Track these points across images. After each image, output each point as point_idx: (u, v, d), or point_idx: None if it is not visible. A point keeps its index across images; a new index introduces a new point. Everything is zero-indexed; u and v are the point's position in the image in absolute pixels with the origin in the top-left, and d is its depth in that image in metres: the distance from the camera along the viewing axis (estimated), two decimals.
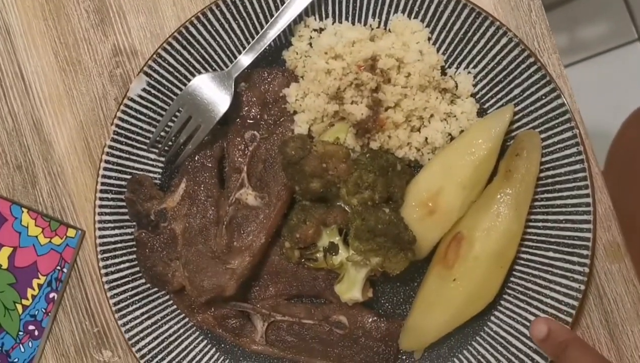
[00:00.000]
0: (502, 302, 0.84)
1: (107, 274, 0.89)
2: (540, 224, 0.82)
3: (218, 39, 0.89)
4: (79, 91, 0.96)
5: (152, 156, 0.91)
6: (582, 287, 0.79)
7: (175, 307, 0.91)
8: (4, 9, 0.97)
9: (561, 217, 0.81)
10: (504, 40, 0.82)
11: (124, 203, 0.90)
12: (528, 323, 0.82)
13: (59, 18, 0.97)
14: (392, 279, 0.86)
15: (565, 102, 0.80)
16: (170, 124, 0.90)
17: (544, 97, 0.81)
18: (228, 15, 0.87)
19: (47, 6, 0.97)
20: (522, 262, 0.83)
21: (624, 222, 1.13)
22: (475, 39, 0.83)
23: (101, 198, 0.90)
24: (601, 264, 0.84)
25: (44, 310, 0.95)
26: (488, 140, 0.80)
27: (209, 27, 0.88)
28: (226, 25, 0.88)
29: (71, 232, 0.95)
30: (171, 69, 0.89)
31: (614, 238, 0.84)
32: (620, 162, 1.21)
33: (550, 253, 0.81)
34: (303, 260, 0.84)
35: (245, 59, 0.86)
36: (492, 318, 0.84)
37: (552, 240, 0.81)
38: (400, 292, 0.88)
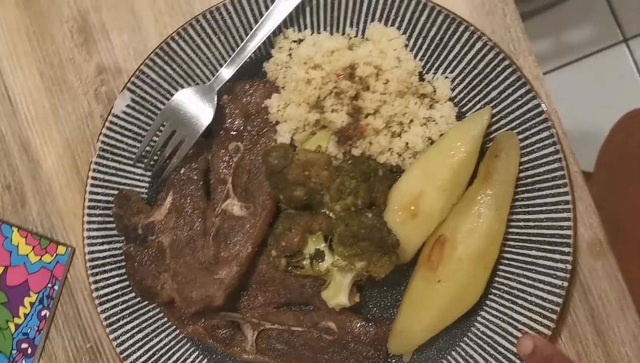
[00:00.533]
0: (488, 302, 0.85)
1: (97, 289, 0.90)
2: (522, 223, 0.83)
3: (199, 53, 0.90)
4: (65, 110, 0.98)
5: (139, 171, 0.92)
6: (565, 284, 0.80)
7: (165, 319, 0.91)
8: None
9: (542, 216, 0.82)
10: (479, 45, 0.83)
11: (112, 219, 0.91)
12: (514, 322, 0.83)
13: (44, 39, 0.98)
14: (379, 284, 0.87)
15: (542, 103, 0.82)
16: (155, 138, 0.91)
17: (520, 99, 0.82)
18: (208, 30, 0.89)
19: (31, 27, 0.99)
20: (506, 261, 0.84)
21: (611, 225, 1.14)
22: (451, 44, 0.85)
23: (89, 215, 0.91)
24: (585, 261, 0.85)
25: (36, 328, 0.95)
26: (467, 143, 0.81)
27: (190, 42, 0.89)
28: (207, 40, 0.89)
29: (61, 250, 0.96)
30: (154, 85, 0.90)
31: (596, 235, 0.85)
32: (609, 166, 1.23)
33: (533, 252, 0.82)
34: (290, 268, 0.85)
35: (226, 72, 0.87)
36: (479, 318, 0.85)
37: (534, 238, 0.82)
38: (387, 296, 0.89)
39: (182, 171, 0.90)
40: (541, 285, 0.82)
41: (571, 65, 2.06)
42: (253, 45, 0.87)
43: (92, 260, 0.90)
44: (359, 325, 0.87)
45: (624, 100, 2.00)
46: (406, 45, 0.87)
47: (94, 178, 0.91)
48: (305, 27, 0.89)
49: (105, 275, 0.91)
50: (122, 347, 0.89)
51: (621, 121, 1.24)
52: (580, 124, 1.99)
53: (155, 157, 0.91)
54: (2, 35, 0.99)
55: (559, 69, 2.05)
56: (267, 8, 0.88)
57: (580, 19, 2.06)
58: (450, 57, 0.85)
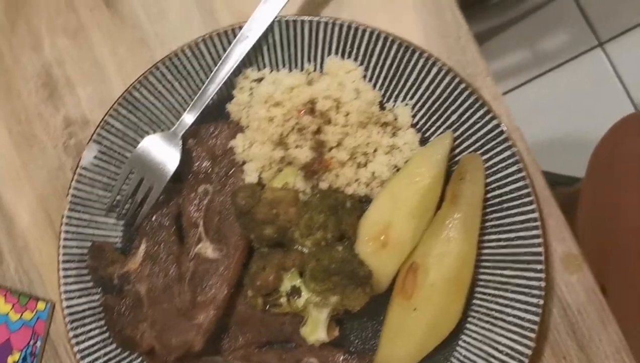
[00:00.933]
0: (468, 325, 0.84)
1: (77, 343, 0.90)
2: (493, 244, 0.83)
3: (162, 99, 0.91)
4: (35, 165, 0.98)
5: (111, 221, 0.93)
6: (541, 302, 0.80)
7: None
8: None
9: (512, 235, 0.82)
10: (434, 70, 0.84)
11: (88, 271, 0.91)
12: (495, 344, 0.82)
13: (10, 95, 0.99)
14: (358, 315, 0.86)
15: (501, 123, 0.82)
16: (125, 187, 0.91)
17: (480, 120, 0.83)
18: (169, 76, 0.90)
19: None
20: (482, 283, 0.84)
21: (604, 232, 1.14)
22: (407, 71, 0.85)
23: (65, 269, 0.90)
24: (561, 276, 0.85)
25: None
26: (431, 168, 0.81)
27: (151, 89, 0.90)
28: (168, 86, 0.90)
29: (41, 305, 0.95)
30: (120, 134, 0.91)
31: (569, 249, 0.85)
32: (597, 175, 1.23)
33: (507, 272, 0.82)
34: (268, 307, 0.85)
35: (188, 117, 0.88)
36: (460, 342, 0.84)
37: (507, 258, 0.82)
38: (368, 327, 0.88)
39: (153, 218, 0.90)
40: (518, 305, 0.81)
41: (549, 73, 2.07)
42: (213, 88, 0.87)
43: (70, 314, 0.90)
44: (341, 358, 0.86)
45: (604, 104, 2.03)
46: (364, 76, 0.87)
47: (66, 231, 0.91)
48: (264, 66, 0.90)
49: (85, 329, 0.90)
50: None
51: (610, 130, 1.24)
52: (563, 130, 2.01)
53: (127, 206, 0.91)
54: None
55: (537, 78, 2.07)
56: (224, 50, 0.88)
57: (553, 27, 2.08)
58: (409, 84, 0.86)
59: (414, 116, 0.86)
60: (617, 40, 2.06)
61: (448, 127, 0.85)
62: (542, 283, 0.80)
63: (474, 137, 0.83)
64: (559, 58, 2.07)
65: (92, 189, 0.91)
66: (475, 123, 0.83)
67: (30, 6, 1.00)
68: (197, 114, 0.88)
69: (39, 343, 0.95)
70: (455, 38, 0.88)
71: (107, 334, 0.90)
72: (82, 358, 0.90)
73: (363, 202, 0.87)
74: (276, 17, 0.87)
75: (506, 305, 0.82)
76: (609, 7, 2.06)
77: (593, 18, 2.07)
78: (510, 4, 1.89)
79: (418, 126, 0.87)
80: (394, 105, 0.87)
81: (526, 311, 0.81)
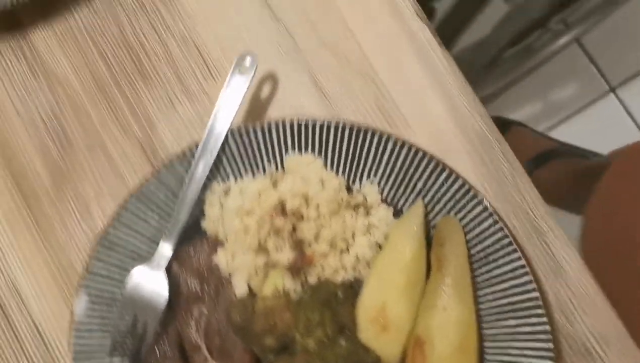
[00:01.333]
0: None
1: None
2: (490, 297, 0.83)
3: (139, 233, 0.91)
4: None
5: (117, 361, 0.93)
6: (552, 346, 0.80)
7: None
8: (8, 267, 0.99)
9: (506, 285, 0.82)
10: (390, 146, 0.85)
11: None
12: None
13: (64, 268, 0.98)
14: None
15: (466, 180, 0.83)
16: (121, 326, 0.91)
17: (445, 183, 0.84)
18: (140, 211, 0.91)
19: (50, 258, 0.99)
20: (490, 337, 0.84)
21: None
22: (365, 152, 0.86)
23: None
24: None
25: None
26: (409, 242, 0.82)
27: (126, 226, 0.91)
28: (142, 219, 0.91)
29: None
30: (105, 274, 0.91)
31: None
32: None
33: (511, 322, 0.82)
34: None
35: (167, 247, 0.89)
36: None
37: (507, 308, 0.82)
38: None
39: (157, 350, 0.90)
40: (530, 352, 0.81)
41: (564, 123, 2.08)
42: (184, 212, 0.88)
43: None
44: None
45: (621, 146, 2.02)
46: (325, 165, 0.88)
47: None
48: (228, 176, 0.91)
49: None
50: None
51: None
52: None
53: (127, 343, 0.91)
54: (25, 271, 0.99)
55: (552, 129, 2.08)
56: (187, 172, 0.90)
57: (564, 77, 2.09)
58: (369, 163, 0.87)
59: (382, 192, 0.87)
60: (629, 84, 2.09)
61: (417, 195, 0.86)
62: (547, 327, 0.80)
63: (443, 200, 0.84)
64: (573, 107, 2.09)
65: (91, 338, 0.91)
66: (440, 186, 0.84)
67: (77, 174, 1.00)
68: (175, 241, 0.89)
69: None
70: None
71: None
72: None
73: (354, 287, 0.87)
74: (229, 129, 0.89)
75: (519, 355, 0.82)
76: (617, 52, 2.09)
77: (602, 65, 2.10)
78: (519, 59, 1.87)
79: (388, 200, 0.87)
80: (360, 185, 0.88)
81: (540, 357, 0.80)
